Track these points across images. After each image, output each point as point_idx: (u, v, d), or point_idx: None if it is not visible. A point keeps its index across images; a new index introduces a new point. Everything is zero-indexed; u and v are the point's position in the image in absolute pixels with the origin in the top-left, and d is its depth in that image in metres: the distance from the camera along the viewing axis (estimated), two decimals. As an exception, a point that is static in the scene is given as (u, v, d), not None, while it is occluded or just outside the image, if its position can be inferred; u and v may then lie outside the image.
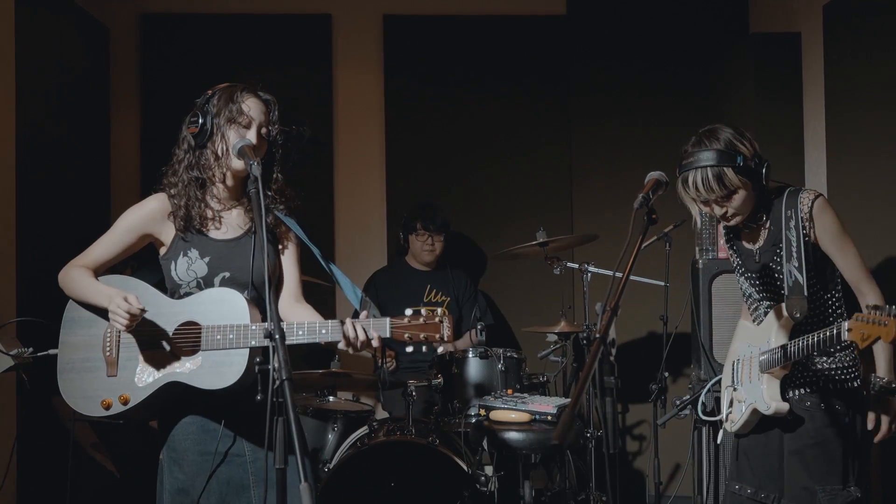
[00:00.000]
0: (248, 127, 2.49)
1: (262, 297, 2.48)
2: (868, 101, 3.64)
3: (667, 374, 3.59)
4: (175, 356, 2.42)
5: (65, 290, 2.53)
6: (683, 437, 4.15)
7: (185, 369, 2.40)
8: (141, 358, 2.44)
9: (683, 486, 4.23)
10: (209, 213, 2.54)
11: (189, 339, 2.42)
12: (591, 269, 4.04)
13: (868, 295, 2.60)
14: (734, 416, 2.77)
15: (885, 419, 2.60)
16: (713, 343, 3.71)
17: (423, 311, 2.36)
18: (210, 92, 2.53)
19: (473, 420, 3.63)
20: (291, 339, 2.34)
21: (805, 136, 4.30)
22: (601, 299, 3.31)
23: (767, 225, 2.68)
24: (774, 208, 2.65)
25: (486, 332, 3.93)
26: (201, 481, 2.45)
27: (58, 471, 3.58)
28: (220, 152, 2.49)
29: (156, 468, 2.54)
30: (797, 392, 2.67)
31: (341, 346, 2.36)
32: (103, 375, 2.45)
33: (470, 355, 3.88)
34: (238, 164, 2.46)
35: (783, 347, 2.58)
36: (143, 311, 2.37)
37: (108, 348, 2.47)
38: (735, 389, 2.79)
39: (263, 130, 2.52)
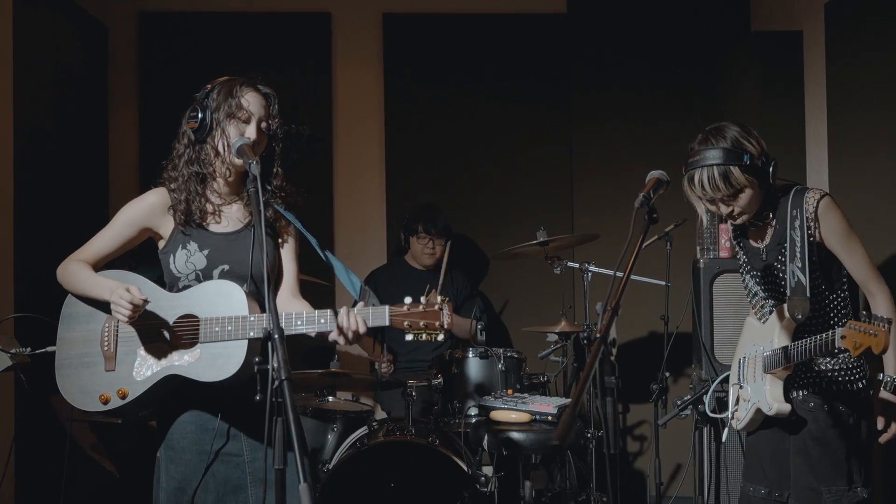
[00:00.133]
0: (247, 122, 2.48)
1: (260, 292, 2.47)
2: (870, 99, 3.63)
3: (668, 374, 3.57)
4: (173, 349, 2.42)
5: (63, 285, 2.52)
6: (684, 438, 4.14)
7: (183, 362, 2.39)
8: (139, 352, 2.44)
9: (684, 487, 4.22)
10: (209, 208, 2.53)
11: (187, 332, 2.41)
12: (592, 268, 4.03)
13: (877, 294, 2.58)
14: (739, 415, 2.77)
15: (893, 419, 2.58)
16: (714, 343, 3.71)
17: (422, 298, 2.36)
18: (209, 86, 2.52)
19: (473, 420, 3.63)
20: (290, 330, 2.33)
21: (807, 135, 4.29)
22: (602, 299, 3.31)
23: (774, 223, 2.67)
24: (781, 207, 2.64)
25: (485, 332, 3.93)
26: (198, 480, 2.44)
27: (56, 471, 3.58)
28: (220, 148, 2.48)
29: (154, 467, 2.53)
30: (801, 393, 2.66)
31: (333, 336, 2.35)
32: (101, 370, 2.45)
33: (470, 355, 3.87)
34: (239, 161, 2.45)
35: (784, 349, 2.57)
36: (146, 301, 2.37)
37: (105, 343, 2.46)
38: (741, 388, 2.78)
39: (263, 125, 2.51)
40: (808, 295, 2.52)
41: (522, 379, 3.88)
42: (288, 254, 2.61)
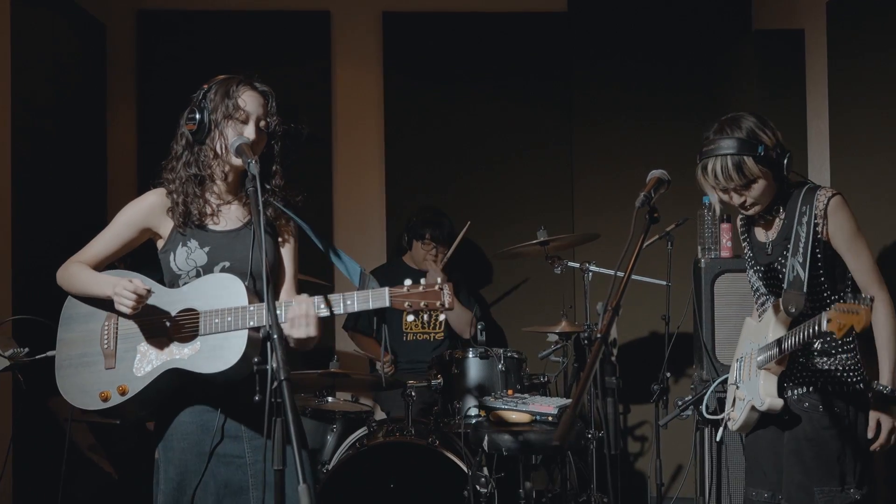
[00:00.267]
0: (245, 122, 2.47)
1: (260, 290, 2.45)
2: (872, 98, 3.63)
3: (669, 374, 3.57)
4: (174, 343, 2.41)
5: (63, 287, 2.52)
6: (685, 438, 4.13)
7: (183, 355, 2.39)
8: (139, 348, 2.43)
9: (685, 488, 4.21)
10: (208, 210, 2.52)
11: (187, 326, 2.41)
12: (593, 268, 4.02)
13: (877, 301, 2.57)
14: (735, 415, 2.76)
15: (884, 428, 2.57)
16: (715, 343, 3.70)
17: (422, 280, 2.35)
18: (206, 86, 2.50)
19: (473, 421, 3.62)
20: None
21: (808, 134, 4.28)
22: (602, 299, 3.29)
23: (783, 217, 2.67)
24: (791, 202, 2.64)
25: (485, 331, 3.92)
26: (197, 481, 2.43)
27: (54, 472, 3.56)
28: (219, 149, 2.47)
29: (153, 469, 2.51)
30: (796, 392, 2.65)
31: (286, 330, 2.33)
32: (101, 369, 2.44)
33: (470, 355, 3.86)
34: (238, 161, 2.45)
35: (778, 341, 2.56)
36: (149, 291, 2.36)
37: (105, 341, 2.45)
38: (738, 388, 2.78)
39: (262, 123, 2.50)
40: (805, 290, 2.52)
41: (523, 379, 3.87)
42: (287, 253, 2.60)
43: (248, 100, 2.48)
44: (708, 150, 2.60)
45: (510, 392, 3.69)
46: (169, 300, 2.44)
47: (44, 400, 3.61)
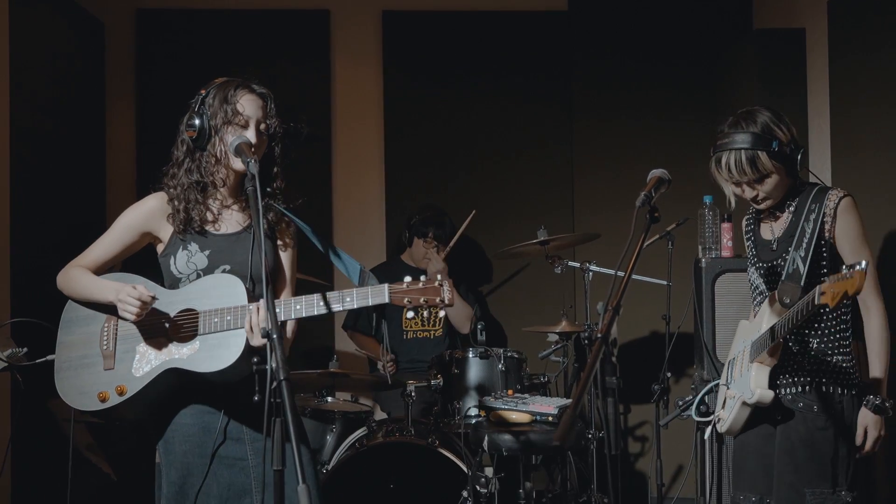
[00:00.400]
0: (245, 126, 2.47)
1: (259, 294, 2.44)
2: (873, 97, 3.62)
3: (669, 374, 3.56)
4: (173, 343, 2.41)
5: (64, 291, 2.51)
6: (686, 439, 4.12)
7: (182, 355, 2.39)
8: (138, 349, 2.43)
9: (686, 488, 4.20)
10: (209, 216, 2.52)
11: (187, 326, 2.41)
12: (593, 268, 4.02)
13: (872, 309, 2.58)
14: (724, 415, 2.74)
15: (870, 437, 2.57)
16: (716, 343, 3.69)
17: (422, 276, 2.36)
18: (203, 91, 2.49)
19: (473, 421, 3.61)
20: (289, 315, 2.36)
21: (809, 134, 4.27)
22: (603, 299, 3.29)
23: (791, 214, 2.67)
24: (801, 200, 2.65)
25: (485, 331, 3.91)
26: (200, 483, 2.42)
27: (53, 473, 3.55)
28: (219, 155, 2.47)
29: (152, 470, 2.51)
30: (790, 391, 2.64)
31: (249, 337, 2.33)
32: (100, 370, 2.44)
33: (470, 355, 3.86)
34: (240, 164, 2.44)
35: (771, 329, 2.55)
36: (153, 297, 2.36)
37: (105, 343, 2.45)
38: (728, 387, 2.77)
39: (262, 126, 2.50)
40: (803, 284, 2.51)
41: (523, 379, 3.87)
42: (287, 257, 2.60)
43: (247, 104, 2.47)
44: (722, 144, 2.61)
45: (510, 392, 3.69)
46: (169, 301, 2.44)
47: (43, 400, 3.59)
